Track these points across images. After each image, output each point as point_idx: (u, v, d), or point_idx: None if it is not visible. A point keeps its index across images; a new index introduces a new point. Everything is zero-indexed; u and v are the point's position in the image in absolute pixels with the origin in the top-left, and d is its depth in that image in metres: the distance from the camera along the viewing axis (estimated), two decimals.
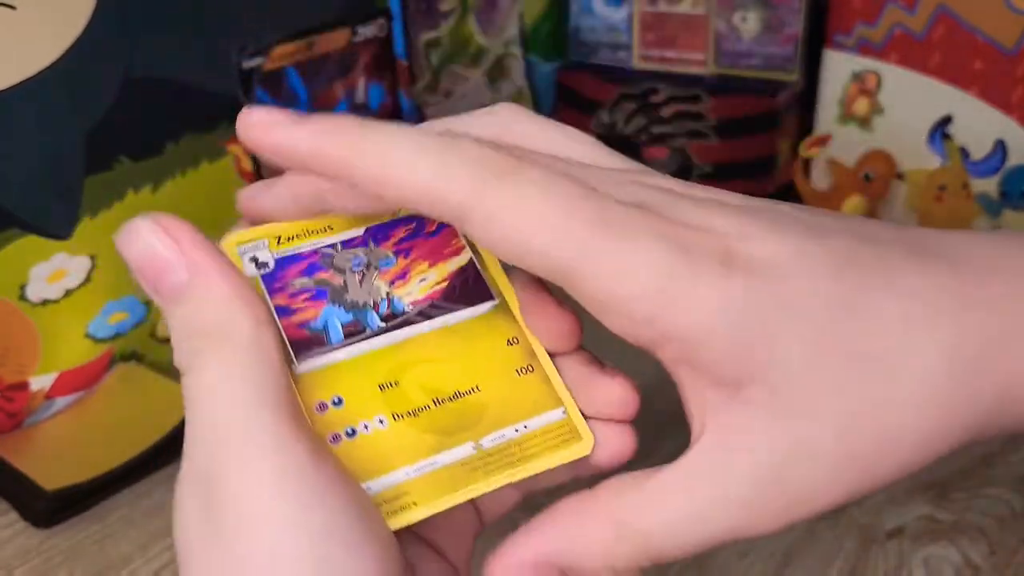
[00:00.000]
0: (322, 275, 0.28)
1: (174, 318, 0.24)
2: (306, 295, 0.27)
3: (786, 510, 0.23)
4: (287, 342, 0.26)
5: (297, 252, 0.28)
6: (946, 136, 0.68)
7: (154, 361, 0.53)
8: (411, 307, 0.28)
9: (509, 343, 0.28)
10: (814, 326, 0.23)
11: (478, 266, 0.29)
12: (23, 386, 0.48)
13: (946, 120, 0.68)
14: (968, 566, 0.41)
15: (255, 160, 0.53)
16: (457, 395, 0.27)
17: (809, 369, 0.22)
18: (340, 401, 0.26)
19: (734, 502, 0.23)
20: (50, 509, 0.44)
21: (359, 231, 0.29)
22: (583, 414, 0.28)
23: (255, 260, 0.27)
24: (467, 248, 0.29)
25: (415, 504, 0.25)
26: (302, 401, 0.26)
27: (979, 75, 0.66)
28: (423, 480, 0.26)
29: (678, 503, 0.23)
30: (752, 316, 0.22)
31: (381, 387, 0.26)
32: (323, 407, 0.26)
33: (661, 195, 0.24)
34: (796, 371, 0.22)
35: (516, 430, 0.27)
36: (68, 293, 0.48)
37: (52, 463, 0.46)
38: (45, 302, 0.47)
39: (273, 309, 0.27)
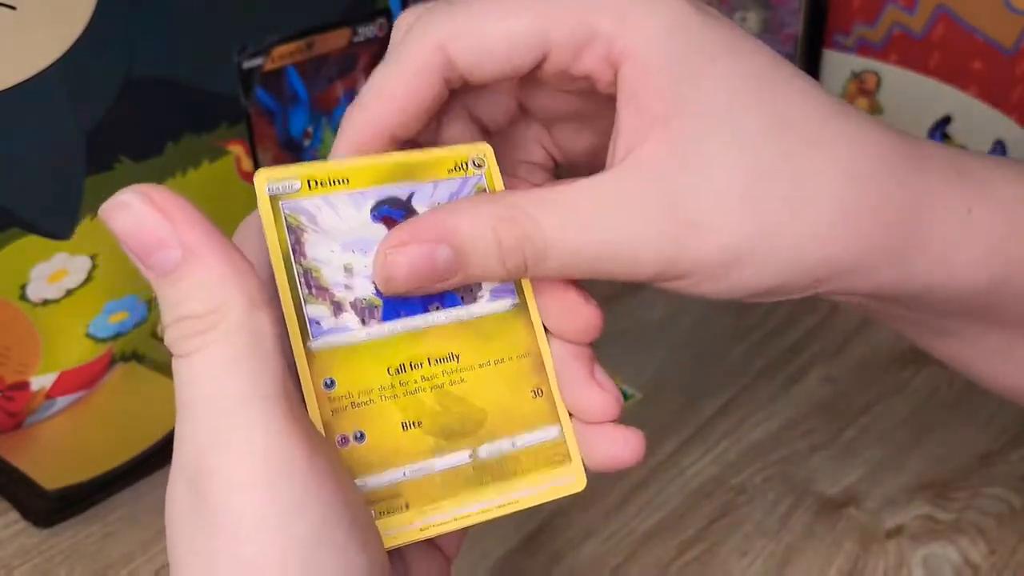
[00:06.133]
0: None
1: (163, 296, 0.23)
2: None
3: (674, 238, 0.24)
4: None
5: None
6: (946, 136, 0.68)
7: (154, 361, 0.52)
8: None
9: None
10: (738, 80, 0.25)
11: None
12: (24, 386, 0.48)
13: (945, 120, 0.68)
14: (968, 565, 0.41)
15: (256, 161, 0.53)
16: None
17: (728, 115, 0.24)
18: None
19: (626, 212, 0.24)
20: (50, 508, 0.44)
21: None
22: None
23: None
24: None
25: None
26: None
27: (978, 75, 0.66)
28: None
29: (577, 202, 0.25)
30: (692, 52, 0.24)
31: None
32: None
33: None
34: (717, 113, 0.24)
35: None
36: (69, 293, 0.48)
37: (52, 463, 0.46)
38: (46, 302, 0.47)
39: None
